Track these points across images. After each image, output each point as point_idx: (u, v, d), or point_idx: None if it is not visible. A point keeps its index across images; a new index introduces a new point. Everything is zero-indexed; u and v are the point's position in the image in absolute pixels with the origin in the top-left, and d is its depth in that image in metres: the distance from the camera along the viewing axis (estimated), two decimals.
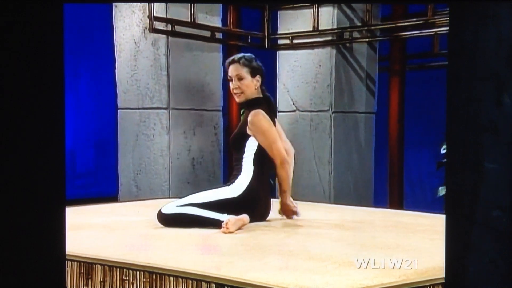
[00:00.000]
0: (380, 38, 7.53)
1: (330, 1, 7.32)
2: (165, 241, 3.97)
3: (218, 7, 7.19)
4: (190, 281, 3.08)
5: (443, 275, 2.42)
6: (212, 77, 7.04)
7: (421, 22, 6.99)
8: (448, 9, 2.80)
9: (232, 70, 4.68)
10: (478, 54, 2.11)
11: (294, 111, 7.47)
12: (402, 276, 3.00)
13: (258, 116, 4.59)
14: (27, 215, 2.09)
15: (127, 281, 3.31)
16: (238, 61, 4.67)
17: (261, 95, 4.71)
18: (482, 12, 2.10)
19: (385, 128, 7.99)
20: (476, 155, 2.12)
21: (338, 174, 7.29)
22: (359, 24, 7.34)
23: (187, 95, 6.93)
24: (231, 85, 4.69)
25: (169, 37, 6.78)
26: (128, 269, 3.32)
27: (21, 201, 2.09)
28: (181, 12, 6.86)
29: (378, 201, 7.69)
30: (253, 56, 4.74)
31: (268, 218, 4.68)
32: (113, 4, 6.95)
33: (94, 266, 3.45)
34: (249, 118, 4.59)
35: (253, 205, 4.52)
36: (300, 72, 7.42)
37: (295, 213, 4.72)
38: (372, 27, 7.31)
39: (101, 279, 3.42)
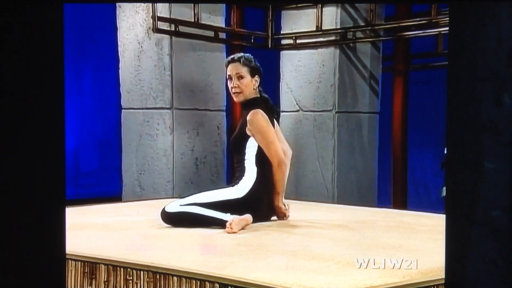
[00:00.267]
0: (383, 38, 7.52)
1: (333, 1, 7.31)
2: (169, 241, 3.98)
3: (222, 7, 7.19)
4: (194, 281, 3.09)
5: None
6: (215, 77, 7.04)
7: (424, 22, 6.98)
8: None
9: (232, 69, 4.68)
10: (478, 54, 2.11)
11: (297, 111, 7.47)
12: (406, 276, 3.00)
13: (257, 116, 4.60)
14: (27, 215, 2.09)
15: (131, 281, 3.32)
16: (238, 60, 4.67)
17: (259, 96, 4.72)
18: (482, 12, 2.09)
19: (388, 128, 7.99)
20: (476, 155, 2.12)
21: (341, 174, 7.29)
22: (362, 24, 7.34)
23: (191, 95, 6.94)
24: (230, 84, 4.69)
25: (173, 37, 6.79)
26: (132, 269, 3.33)
27: (21, 201, 2.09)
28: (185, 12, 6.87)
29: (382, 201, 7.68)
30: (252, 56, 4.74)
31: (271, 219, 4.69)
32: (117, 4, 6.96)
33: (98, 265, 3.46)
34: (248, 118, 4.60)
35: (257, 206, 4.53)
36: (303, 72, 7.42)
37: (285, 215, 4.71)
38: (376, 27, 7.31)
39: (105, 279, 3.43)
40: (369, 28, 7.30)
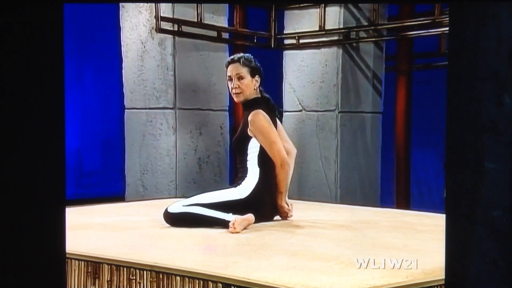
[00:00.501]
0: (386, 38, 7.52)
1: (336, 0, 7.31)
2: (172, 241, 3.98)
3: (225, 7, 7.19)
4: (197, 281, 3.09)
5: None
6: (218, 77, 7.03)
7: (428, 21, 6.96)
8: None
9: (232, 70, 4.68)
10: (479, 54, 2.10)
11: (300, 111, 7.47)
12: (409, 276, 3.00)
13: (258, 116, 4.59)
14: (27, 215, 2.10)
15: (134, 281, 3.32)
16: (238, 60, 4.67)
17: (259, 96, 4.71)
18: (482, 12, 2.09)
19: (391, 128, 7.99)
20: (476, 155, 2.12)
21: (344, 174, 7.28)
22: (365, 23, 7.33)
23: (194, 95, 6.94)
24: (230, 85, 4.69)
25: (176, 37, 6.79)
26: (135, 268, 3.33)
27: (21, 201, 2.09)
28: (188, 12, 6.87)
29: (385, 201, 7.68)
30: (252, 56, 4.74)
31: (274, 218, 4.69)
32: (120, 4, 6.96)
33: (101, 265, 3.46)
34: (249, 118, 4.59)
35: (260, 207, 4.53)
36: (306, 72, 7.42)
37: (288, 215, 4.71)
38: (379, 27, 7.30)
39: (108, 278, 3.43)
40: (372, 28, 7.29)
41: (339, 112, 7.27)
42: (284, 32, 7.66)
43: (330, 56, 7.30)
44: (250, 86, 4.66)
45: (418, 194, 8.48)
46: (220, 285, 3.01)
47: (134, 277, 3.32)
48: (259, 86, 4.71)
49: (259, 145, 4.60)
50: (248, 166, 4.61)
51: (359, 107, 7.41)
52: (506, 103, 2.08)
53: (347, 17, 7.29)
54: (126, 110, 7.01)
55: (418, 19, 7.21)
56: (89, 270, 3.51)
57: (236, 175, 4.81)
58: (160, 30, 6.70)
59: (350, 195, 7.27)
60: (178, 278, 3.16)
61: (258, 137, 4.60)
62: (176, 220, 4.44)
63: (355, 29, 7.28)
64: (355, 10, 7.31)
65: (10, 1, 2.05)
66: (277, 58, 7.62)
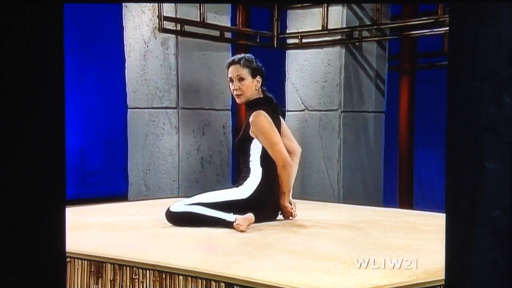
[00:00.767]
0: (389, 37, 7.51)
1: (339, 0, 7.30)
2: (174, 240, 3.98)
3: (227, 6, 7.19)
4: (200, 280, 3.09)
5: None
6: (221, 76, 7.03)
7: (431, 20, 6.95)
8: None
9: (232, 71, 4.68)
10: (478, 54, 2.10)
11: (303, 110, 7.46)
12: (412, 276, 3.00)
13: (259, 117, 4.59)
14: (27, 215, 2.10)
15: (136, 280, 3.33)
16: (238, 61, 4.66)
17: (262, 96, 4.71)
18: (482, 12, 2.09)
19: (394, 127, 7.98)
20: (476, 155, 2.12)
21: (347, 173, 7.28)
22: (368, 23, 7.32)
23: (196, 94, 6.94)
24: (231, 86, 4.69)
25: (179, 37, 6.79)
26: (138, 268, 3.34)
27: (21, 201, 2.09)
28: (190, 12, 6.87)
29: (388, 201, 7.67)
30: (253, 56, 4.73)
31: (277, 218, 4.69)
32: (123, 4, 6.97)
33: (104, 264, 3.47)
34: (250, 119, 4.59)
35: (262, 207, 4.54)
36: (309, 71, 7.42)
37: (292, 215, 4.71)
38: (382, 26, 7.29)
39: (111, 278, 3.44)
40: (375, 27, 7.29)
41: (341, 112, 7.27)
42: (287, 31, 7.65)
43: (333, 56, 7.29)
44: (251, 87, 4.66)
45: (421, 193, 8.47)
46: (223, 284, 3.01)
47: (137, 277, 3.33)
48: (261, 86, 4.71)
49: (261, 145, 4.60)
50: (250, 166, 4.61)
51: (362, 106, 7.40)
52: (506, 103, 2.08)
53: (350, 17, 7.29)
54: (129, 110, 7.01)
55: (421, 19, 7.20)
56: (92, 270, 3.51)
57: (239, 175, 4.82)
58: (163, 30, 6.71)
59: (352, 194, 7.26)
60: (181, 277, 3.16)
61: (259, 137, 4.59)
62: (178, 219, 4.45)
63: (358, 29, 7.27)
64: (358, 10, 7.30)
65: (10, 1, 2.06)
66: (280, 58, 7.61)
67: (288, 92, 7.57)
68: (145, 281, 3.30)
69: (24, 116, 2.08)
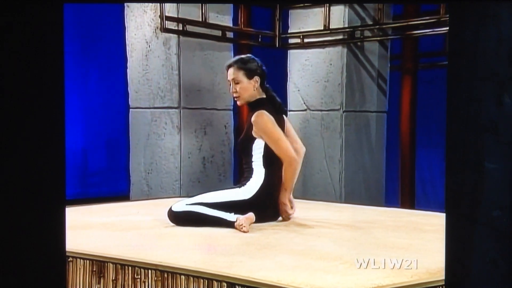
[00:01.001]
0: (391, 37, 7.50)
1: (340, 1, 7.29)
2: (176, 240, 3.99)
3: (229, 6, 7.19)
4: (202, 280, 3.10)
5: None
6: (223, 76, 6.98)
7: (433, 20, 6.94)
8: None
9: (229, 74, 4.71)
10: (479, 54, 2.10)
11: (305, 110, 7.46)
12: (414, 276, 3.00)
13: (261, 117, 4.59)
14: (27, 215, 2.10)
15: (138, 280, 3.33)
16: (233, 65, 4.67)
17: (263, 96, 4.70)
18: (482, 12, 2.09)
19: (396, 127, 7.97)
20: (476, 155, 2.12)
21: (349, 173, 7.27)
22: (370, 22, 7.32)
23: (198, 94, 6.94)
24: (230, 89, 4.70)
25: (180, 37, 6.79)
26: (140, 267, 3.34)
27: (21, 201, 2.09)
28: (192, 12, 6.87)
29: (390, 201, 7.66)
30: (252, 57, 4.73)
31: (278, 219, 4.69)
32: (125, 4, 6.97)
33: (106, 264, 3.47)
34: (252, 120, 4.59)
35: (264, 208, 4.54)
36: (311, 71, 7.41)
37: (289, 214, 4.70)
38: (384, 26, 7.29)
39: (113, 277, 3.44)
40: (377, 27, 7.28)
41: (343, 112, 7.26)
42: (289, 31, 7.65)
43: (334, 55, 7.29)
44: (248, 88, 4.66)
45: (423, 193, 8.46)
46: (225, 284, 3.01)
47: (139, 276, 3.33)
48: (261, 86, 4.70)
49: (263, 146, 4.60)
50: (253, 167, 4.61)
51: (364, 106, 7.40)
52: (506, 103, 2.08)
53: (352, 16, 7.28)
54: (130, 110, 7.02)
55: (423, 18, 7.18)
56: (94, 269, 3.52)
57: (241, 175, 4.82)
58: (165, 30, 6.71)
59: (354, 194, 7.26)
60: (183, 277, 3.17)
61: (263, 137, 4.59)
62: (179, 219, 4.45)
63: (360, 28, 7.27)
64: (360, 9, 7.29)
65: (10, 1, 2.06)
66: (282, 58, 7.61)
67: (290, 92, 7.57)
68: (147, 280, 3.30)
69: (24, 116, 2.08)
